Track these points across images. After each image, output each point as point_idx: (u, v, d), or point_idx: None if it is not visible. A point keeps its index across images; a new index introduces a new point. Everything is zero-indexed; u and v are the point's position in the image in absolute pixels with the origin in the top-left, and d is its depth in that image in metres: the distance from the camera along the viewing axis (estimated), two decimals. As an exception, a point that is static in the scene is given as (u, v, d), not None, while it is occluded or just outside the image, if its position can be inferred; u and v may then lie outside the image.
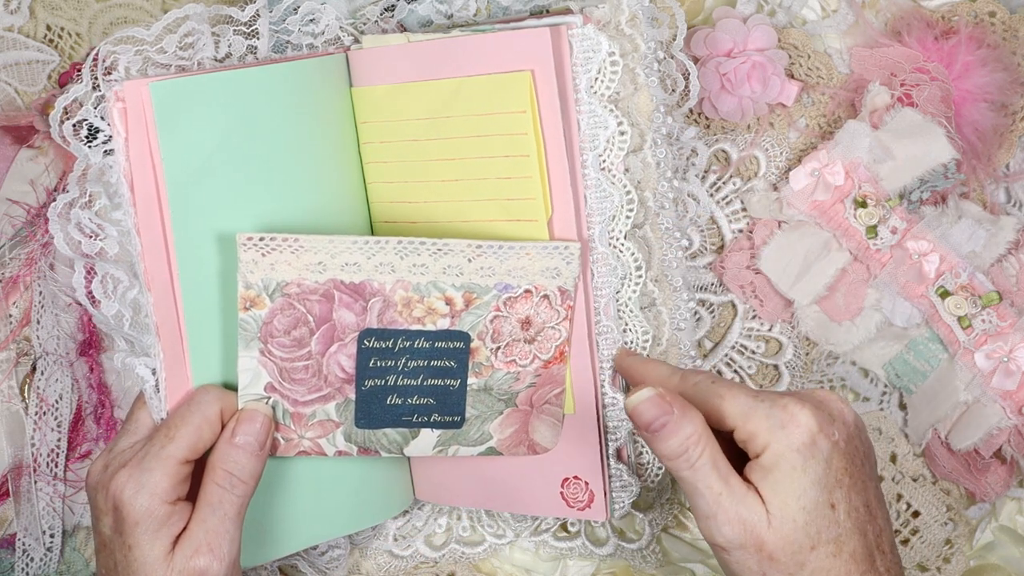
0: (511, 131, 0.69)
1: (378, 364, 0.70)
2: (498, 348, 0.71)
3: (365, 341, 0.69)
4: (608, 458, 0.74)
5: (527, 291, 0.70)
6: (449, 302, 0.69)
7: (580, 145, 0.70)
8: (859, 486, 0.64)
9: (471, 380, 0.71)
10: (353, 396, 0.71)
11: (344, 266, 0.68)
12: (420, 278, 0.69)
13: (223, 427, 0.69)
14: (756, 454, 0.64)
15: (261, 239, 0.67)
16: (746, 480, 0.64)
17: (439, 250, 0.69)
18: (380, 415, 0.71)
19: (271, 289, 0.68)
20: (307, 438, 0.71)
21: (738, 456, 0.65)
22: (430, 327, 0.70)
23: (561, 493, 0.75)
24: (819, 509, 0.62)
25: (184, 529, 0.67)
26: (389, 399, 0.71)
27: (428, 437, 0.73)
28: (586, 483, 0.74)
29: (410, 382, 0.71)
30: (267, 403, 0.70)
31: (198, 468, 0.68)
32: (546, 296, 0.70)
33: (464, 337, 0.70)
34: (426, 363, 0.70)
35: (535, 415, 0.73)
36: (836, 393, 0.67)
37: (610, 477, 0.74)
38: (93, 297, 0.69)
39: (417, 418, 0.72)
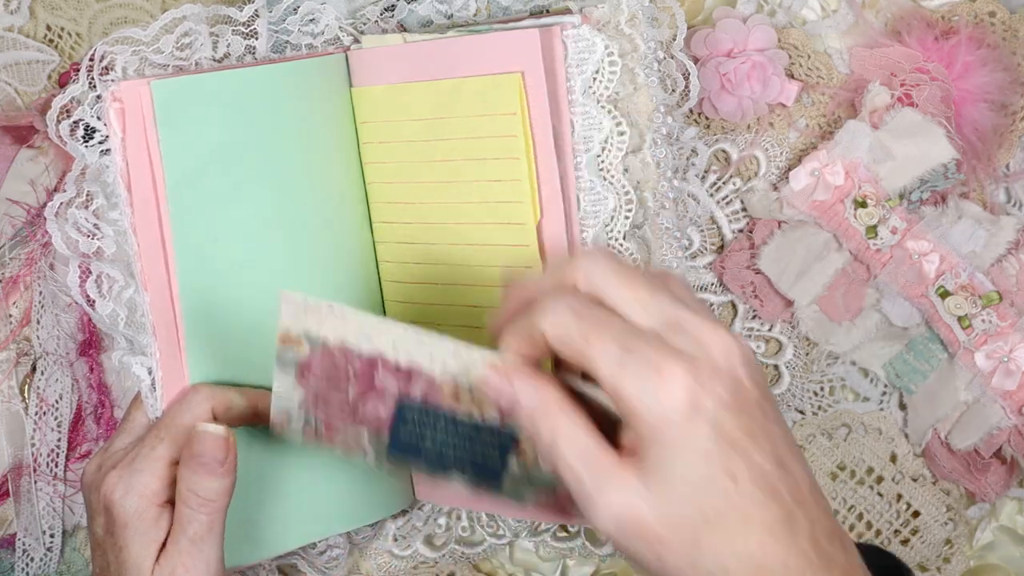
0: (502, 133, 0.69)
1: (415, 429, 0.64)
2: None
3: (405, 409, 0.64)
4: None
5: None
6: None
7: (574, 147, 0.70)
8: (762, 442, 0.54)
9: (513, 468, 0.64)
10: (387, 439, 0.65)
11: (393, 346, 0.62)
12: (477, 377, 0.61)
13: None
14: (627, 421, 0.54)
15: (304, 302, 0.62)
16: (627, 453, 0.54)
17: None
18: (414, 456, 0.66)
19: (312, 339, 0.63)
20: (339, 442, 0.67)
21: None
22: (477, 420, 0.62)
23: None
24: (713, 483, 0.52)
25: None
26: (425, 440, 0.65)
27: (459, 481, 0.66)
28: None
29: (448, 450, 0.64)
30: (299, 412, 0.67)
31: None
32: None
33: (512, 438, 0.63)
34: (466, 444, 0.64)
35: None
36: (719, 325, 0.55)
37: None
38: (88, 297, 0.69)
39: (451, 471, 0.65)
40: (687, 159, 0.83)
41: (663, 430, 0.53)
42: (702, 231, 0.84)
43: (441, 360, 0.61)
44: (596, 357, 0.54)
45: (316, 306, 0.62)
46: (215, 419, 0.68)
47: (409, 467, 0.68)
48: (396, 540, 0.85)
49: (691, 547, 0.53)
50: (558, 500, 0.65)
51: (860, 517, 0.85)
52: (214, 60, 0.73)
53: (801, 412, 0.85)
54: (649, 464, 0.53)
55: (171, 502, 0.67)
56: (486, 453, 0.63)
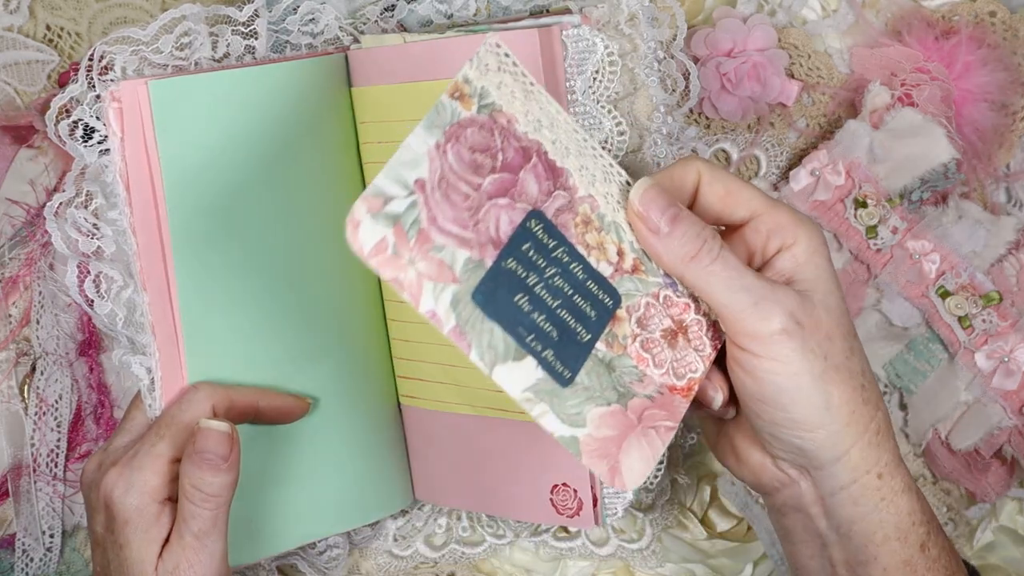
0: None
1: (530, 254, 0.60)
2: (639, 335, 0.63)
3: (532, 221, 0.60)
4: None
5: (687, 304, 0.65)
6: (620, 254, 0.62)
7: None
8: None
9: (600, 346, 0.62)
10: (489, 263, 0.59)
11: (555, 142, 0.60)
12: (611, 212, 0.62)
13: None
14: (786, 246, 0.62)
15: (507, 54, 0.59)
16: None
17: None
18: (502, 307, 0.59)
19: (485, 101, 0.59)
20: (416, 267, 0.57)
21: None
22: (592, 261, 0.61)
23: (551, 500, 0.75)
24: (841, 306, 0.62)
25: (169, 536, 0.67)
26: (519, 298, 0.59)
27: (528, 371, 0.60)
28: (575, 491, 0.74)
29: (547, 297, 0.60)
30: (406, 199, 0.57)
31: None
32: (700, 320, 0.65)
33: (616, 297, 0.62)
34: (570, 292, 0.61)
35: (638, 433, 0.63)
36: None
37: (603, 484, 0.74)
38: (87, 296, 0.69)
39: (532, 340, 0.60)
40: (687, 159, 0.83)
41: (820, 251, 0.62)
42: (702, 231, 0.84)
43: (591, 175, 0.62)
44: (751, 195, 0.62)
45: (514, 65, 0.60)
46: (215, 417, 0.68)
47: (477, 334, 0.59)
48: (396, 540, 0.85)
49: (849, 350, 0.62)
50: (618, 436, 0.62)
51: (860, 517, 0.85)
52: (213, 60, 0.73)
53: (801, 412, 0.85)
54: (811, 278, 0.61)
55: (172, 499, 0.67)
56: (583, 314, 0.61)
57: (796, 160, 0.84)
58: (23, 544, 0.81)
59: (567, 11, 0.71)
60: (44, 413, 0.82)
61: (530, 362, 0.60)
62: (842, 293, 0.62)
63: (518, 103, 0.59)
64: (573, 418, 0.61)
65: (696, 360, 0.65)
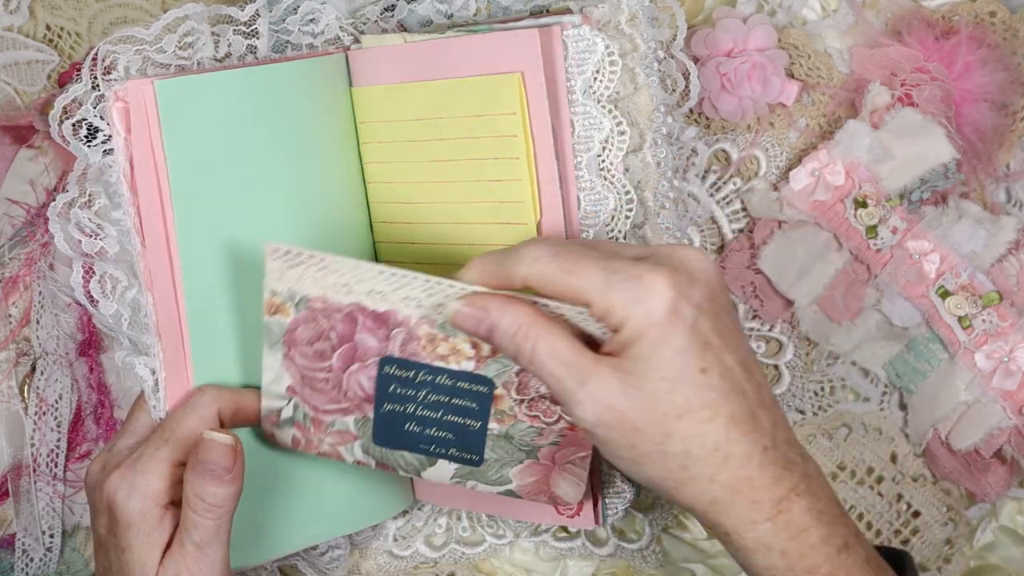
0: (501, 133, 0.69)
1: (398, 391, 0.68)
2: (523, 401, 0.68)
3: (386, 367, 0.68)
4: (602, 464, 0.74)
5: None
6: (475, 346, 0.66)
7: (574, 147, 0.70)
8: (731, 344, 0.60)
9: (492, 425, 0.69)
10: (371, 416, 0.69)
11: (369, 292, 0.66)
12: (447, 319, 0.65)
13: (223, 426, 0.68)
14: (614, 329, 0.60)
15: (288, 252, 0.65)
16: (608, 355, 0.60)
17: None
18: (398, 438, 0.70)
19: (296, 300, 0.67)
20: (326, 443, 0.71)
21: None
22: (453, 366, 0.67)
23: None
24: (686, 377, 0.58)
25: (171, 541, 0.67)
26: (407, 426, 0.69)
27: (446, 468, 0.70)
28: None
29: (429, 414, 0.69)
30: (288, 404, 0.70)
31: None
32: None
33: (488, 383, 0.67)
34: (447, 400, 0.68)
35: (557, 471, 0.70)
36: (692, 246, 0.63)
37: (603, 483, 0.74)
38: (91, 297, 0.69)
39: (435, 449, 0.70)
40: (687, 159, 0.83)
41: (645, 330, 0.58)
42: (702, 231, 0.84)
43: (416, 299, 0.65)
44: (583, 284, 0.60)
45: (299, 256, 0.65)
46: (221, 422, 0.68)
47: (395, 462, 0.71)
48: (396, 540, 0.85)
49: (662, 435, 0.59)
50: (542, 478, 0.70)
51: (860, 517, 0.85)
52: (215, 60, 0.73)
53: (801, 412, 0.86)
54: (629, 362, 0.59)
55: (175, 503, 0.67)
56: (466, 409, 0.68)
57: (796, 160, 0.84)
58: (23, 544, 0.81)
59: (567, 11, 0.71)
60: (44, 413, 0.82)
61: (442, 462, 0.70)
62: (688, 363, 0.59)
63: (322, 282, 0.66)
64: (499, 481, 0.70)
65: None
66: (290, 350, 0.68)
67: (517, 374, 0.67)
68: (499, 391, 0.67)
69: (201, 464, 0.66)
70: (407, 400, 0.68)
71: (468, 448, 0.69)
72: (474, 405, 0.68)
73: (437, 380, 0.67)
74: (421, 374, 0.67)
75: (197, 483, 0.65)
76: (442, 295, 0.64)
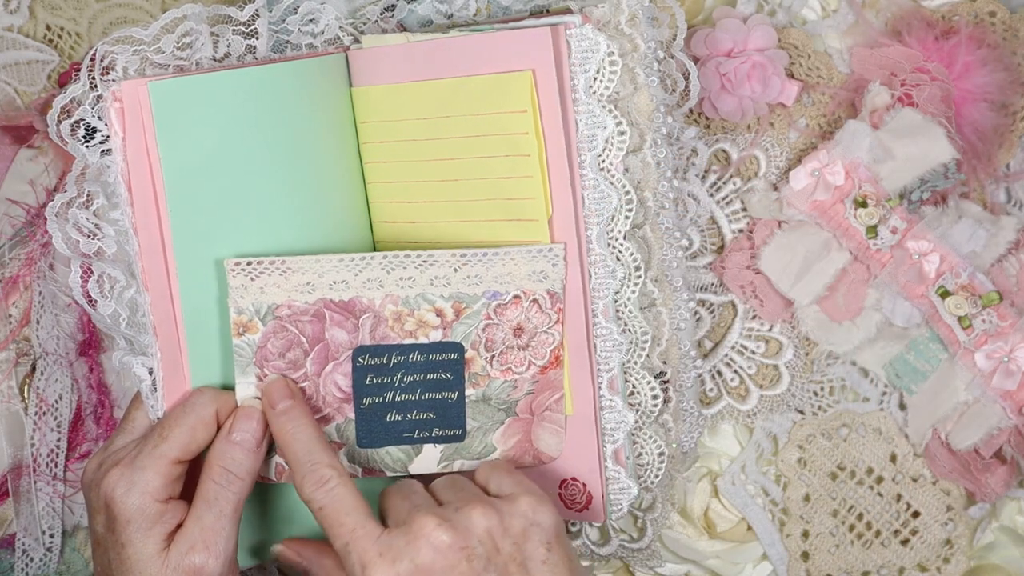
0: (511, 131, 0.69)
1: (375, 381, 0.70)
2: (493, 357, 0.71)
3: (360, 359, 0.70)
4: (606, 460, 0.74)
5: (516, 297, 0.70)
6: (439, 313, 0.69)
7: (578, 145, 0.70)
8: None
9: (469, 391, 0.71)
10: (352, 415, 0.70)
11: (332, 284, 0.68)
12: (408, 291, 0.69)
13: (219, 428, 0.69)
14: None
15: (248, 263, 0.67)
16: None
17: (424, 262, 0.69)
18: (381, 433, 0.71)
19: (263, 313, 0.68)
20: None
21: None
22: (423, 340, 0.70)
23: (560, 495, 0.75)
24: None
25: (180, 526, 0.67)
26: (389, 416, 0.71)
27: (431, 453, 0.72)
28: (584, 485, 0.74)
29: (408, 397, 0.70)
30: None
31: (194, 468, 0.68)
32: (536, 300, 0.70)
33: (457, 348, 0.70)
34: (422, 377, 0.70)
35: (537, 423, 0.73)
36: (432, 518, 0.64)
37: (607, 479, 0.74)
38: (90, 297, 0.69)
39: (419, 434, 0.71)
40: (687, 159, 0.83)
41: None
42: (702, 231, 0.84)
43: (377, 279, 0.68)
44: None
45: (259, 265, 0.67)
46: (218, 422, 0.69)
47: (381, 462, 0.72)
48: (396, 540, 0.85)
49: None
50: (524, 436, 0.72)
51: (860, 517, 0.85)
52: (215, 60, 0.73)
53: (801, 412, 0.86)
54: None
55: (173, 499, 0.67)
56: (442, 382, 0.70)
57: (796, 160, 0.84)
58: (23, 544, 0.81)
59: (567, 11, 0.71)
60: (44, 413, 0.82)
61: (428, 447, 0.72)
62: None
63: (285, 286, 0.68)
64: (484, 452, 0.72)
65: (548, 333, 0.71)
66: (263, 368, 0.69)
67: (483, 330, 0.70)
68: (469, 353, 0.70)
69: (238, 433, 0.68)
70: (384, 388, 0.70)
71: (450, 423, 0.71)
72: (448, 376, 0.70)
73: (410, 358, 0.70)
74: (394, 356, 0.69)
75: (228, 452, 0.67)
76: (401, 267, 0.67)
